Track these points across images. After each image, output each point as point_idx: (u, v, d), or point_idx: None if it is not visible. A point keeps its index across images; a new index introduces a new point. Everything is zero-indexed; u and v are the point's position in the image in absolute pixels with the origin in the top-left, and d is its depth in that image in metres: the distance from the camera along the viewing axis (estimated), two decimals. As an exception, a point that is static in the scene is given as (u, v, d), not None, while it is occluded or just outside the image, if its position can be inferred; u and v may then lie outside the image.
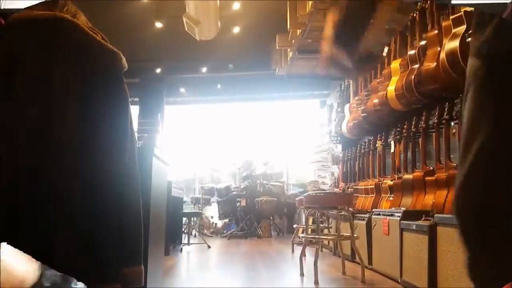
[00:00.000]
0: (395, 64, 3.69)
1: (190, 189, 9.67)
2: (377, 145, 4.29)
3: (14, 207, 0.95)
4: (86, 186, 1.01)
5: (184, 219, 5.91)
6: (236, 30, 6.45)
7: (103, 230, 1.04)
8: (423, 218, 2.58)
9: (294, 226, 5.33)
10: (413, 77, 3.20)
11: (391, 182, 3.71)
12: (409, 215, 2.80)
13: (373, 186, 4.13)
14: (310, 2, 4.20)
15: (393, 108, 3.64)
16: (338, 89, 6.11)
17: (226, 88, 8.36)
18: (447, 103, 2.94)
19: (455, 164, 2.79)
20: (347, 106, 5.24)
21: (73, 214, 0.99)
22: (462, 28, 2.62)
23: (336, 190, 5.76)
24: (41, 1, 1.10)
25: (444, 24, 2.83)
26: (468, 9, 2.65)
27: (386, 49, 4.14)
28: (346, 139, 5.63)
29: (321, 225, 4.33)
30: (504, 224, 0.92)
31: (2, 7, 1.06)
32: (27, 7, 1.07)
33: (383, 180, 3.98)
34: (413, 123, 3.43)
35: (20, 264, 0.88)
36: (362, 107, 4.45)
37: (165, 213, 2.97)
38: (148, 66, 7.57)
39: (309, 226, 4.77)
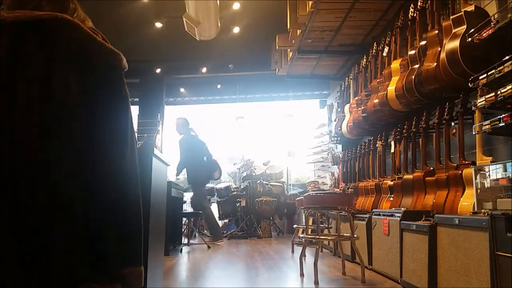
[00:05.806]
0: (395, 64, 3.68)
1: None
2: (377, 145, 4.29)
3: (13, 206, 0.95)
4: (86, 187, 1.01)
5: (184, 219, 5.91)
6: (236, 30, 6.45)
7: (102, 230, 1.04)
8: (423, 219, 2.59)
9: (294, 226, 5.33)
10: (413, 77, 3.19)
11: (391, 182, 3.71)
12: (409, 215, 2.80)
13: (373, 186, 4.13)
14: (310, 2, 4.20)
15: (393, 108, 3.64)
16: (338, 89, 6.10)
17: (226, 88, 8.36)
18: (447, 103, 2.94)
19: (455, 164, 2.79)
20: (347, 106, 5.24)
21: (72, 214, 0.99)
22: (463, 28, 2.61)
23: (336, 190, 5.76)
24: (49, 4, 1.09)
25: (444, 24, 2.82)
26: (469, 9, 2.64)
27: (386, 49, 4.14)
28: (346, 139, 5.62)
29: (321, 225, 4.33)
30: None
31: None
32: (29, 8, 1.06)
33: (383, 180, 3.98)
34: (413, 123, 3.43)
35: None
36: (362, 107, 4.45)
37: (165, 213, 2.97)
38: (148, 66, 7.57)
39: (309, 226, 4.77)
